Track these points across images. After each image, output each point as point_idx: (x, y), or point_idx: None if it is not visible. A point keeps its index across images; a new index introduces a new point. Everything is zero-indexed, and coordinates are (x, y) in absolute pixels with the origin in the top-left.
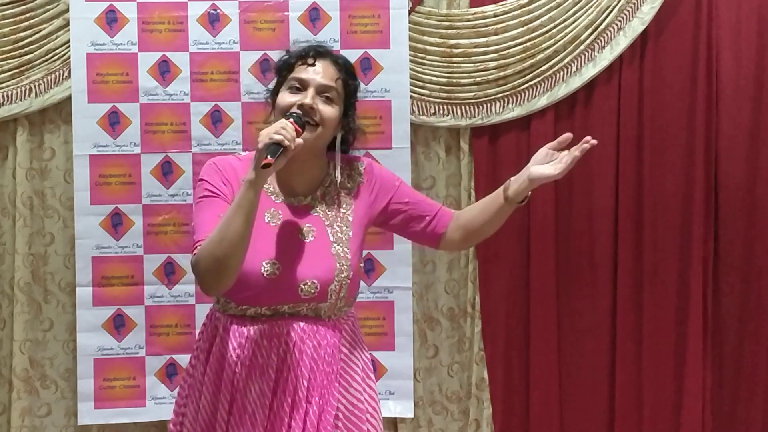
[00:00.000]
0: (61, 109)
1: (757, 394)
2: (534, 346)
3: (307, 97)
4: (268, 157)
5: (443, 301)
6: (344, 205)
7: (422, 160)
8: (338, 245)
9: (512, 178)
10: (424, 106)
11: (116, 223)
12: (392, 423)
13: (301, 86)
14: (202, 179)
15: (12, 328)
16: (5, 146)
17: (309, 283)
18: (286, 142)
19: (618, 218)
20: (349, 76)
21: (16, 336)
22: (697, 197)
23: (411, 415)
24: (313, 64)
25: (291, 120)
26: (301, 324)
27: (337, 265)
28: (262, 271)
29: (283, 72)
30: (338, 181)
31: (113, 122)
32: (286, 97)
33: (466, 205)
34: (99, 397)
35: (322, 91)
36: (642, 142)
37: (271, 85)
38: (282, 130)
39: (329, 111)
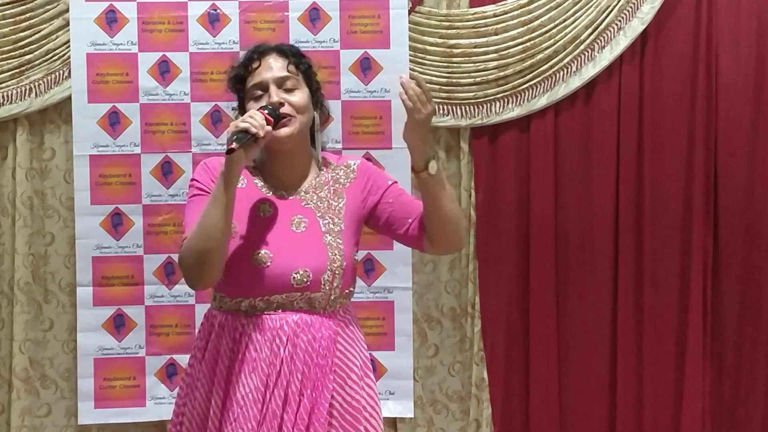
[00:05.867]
0: (61, 109)
1: (757, 394)
2: (534, 346)
3: (272, 95)
4: (234, 144)
5: (444, 300)
6: (336, 199)
7: None
8: (330, 236)
9: None
10: None
11: (116, 223)
12: (392, 422)
13: (262, 89)
14: (193, 179)
15: (12, 328)
16: (5, 146)
17: (301, 272)
18: (253, 129)
19: (618, 218)
20: (297, 58)
21: (16, 336)
22: (697, 197)
23: (411, 415)
24: (260, 64)
25: (262, 110)
26: (295, 317)
27: (329, 254)
28: (253, 260)
29: (238, 87)
30: (320, 162)
31: (113, 122)
32: (254, 108)
33: (466, 205)
34: (99, 396)
35: (280, 83)
36: (642, 142)
37: (235, 104)
38: (249, 118)
39: (297, 97)
